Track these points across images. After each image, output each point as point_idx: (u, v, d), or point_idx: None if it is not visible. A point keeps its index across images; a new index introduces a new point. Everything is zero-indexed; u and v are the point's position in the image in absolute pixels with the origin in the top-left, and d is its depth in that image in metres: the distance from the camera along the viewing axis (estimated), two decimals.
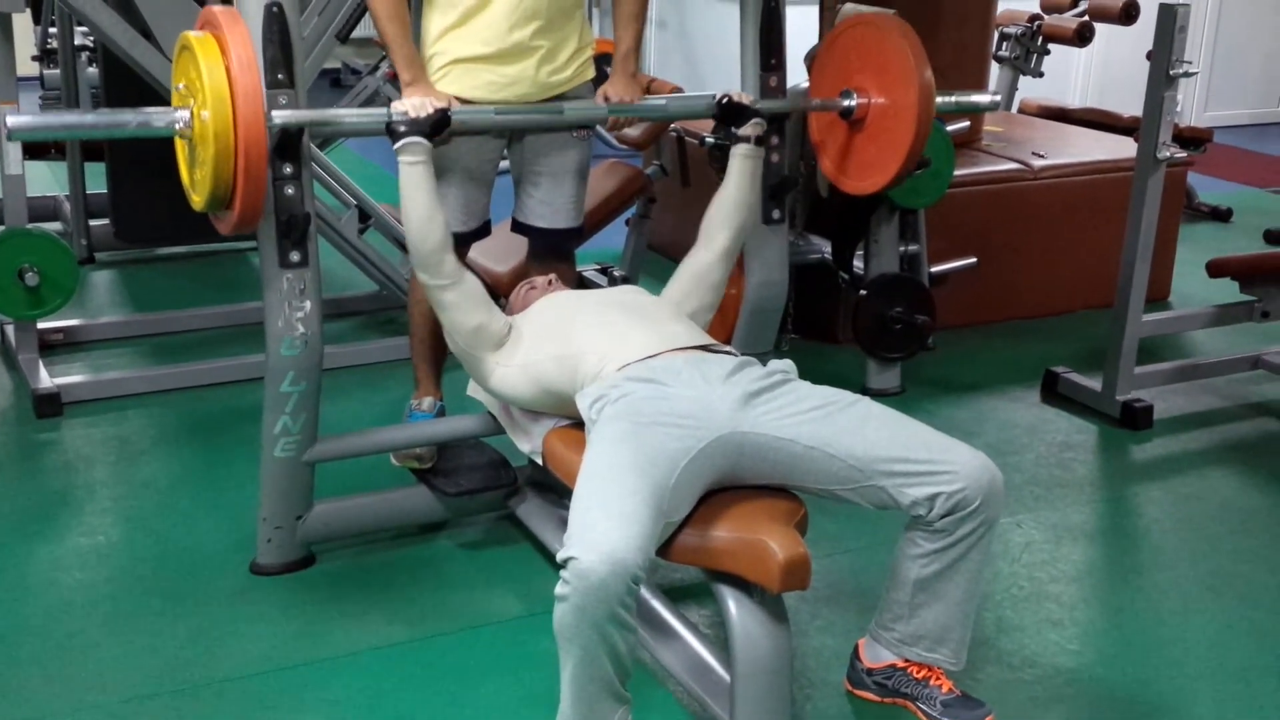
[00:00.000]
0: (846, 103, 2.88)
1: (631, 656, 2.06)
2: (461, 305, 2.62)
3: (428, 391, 3.10)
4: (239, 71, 2.29)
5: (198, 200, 2.44)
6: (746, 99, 2.89)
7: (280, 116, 2.47)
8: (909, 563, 2.29)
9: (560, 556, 1.98)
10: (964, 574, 2.27)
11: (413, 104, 2.57)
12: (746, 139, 2.85)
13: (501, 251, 3.79)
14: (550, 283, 2.86)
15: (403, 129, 2.54)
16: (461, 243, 2.99)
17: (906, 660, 2.38)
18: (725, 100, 2.86)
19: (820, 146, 3.02)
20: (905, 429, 2.29)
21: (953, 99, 2.99)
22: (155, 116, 2.41)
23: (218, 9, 2.36)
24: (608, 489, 2.07)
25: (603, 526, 1.98)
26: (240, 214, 2.39)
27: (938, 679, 2.37)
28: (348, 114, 2.70)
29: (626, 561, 1.94)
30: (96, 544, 3.00)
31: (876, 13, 2.94)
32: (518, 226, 3.10)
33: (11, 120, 2.37)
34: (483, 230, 3.02)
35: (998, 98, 3.11)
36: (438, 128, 2.57)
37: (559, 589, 1.97)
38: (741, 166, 2.85)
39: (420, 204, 2.56)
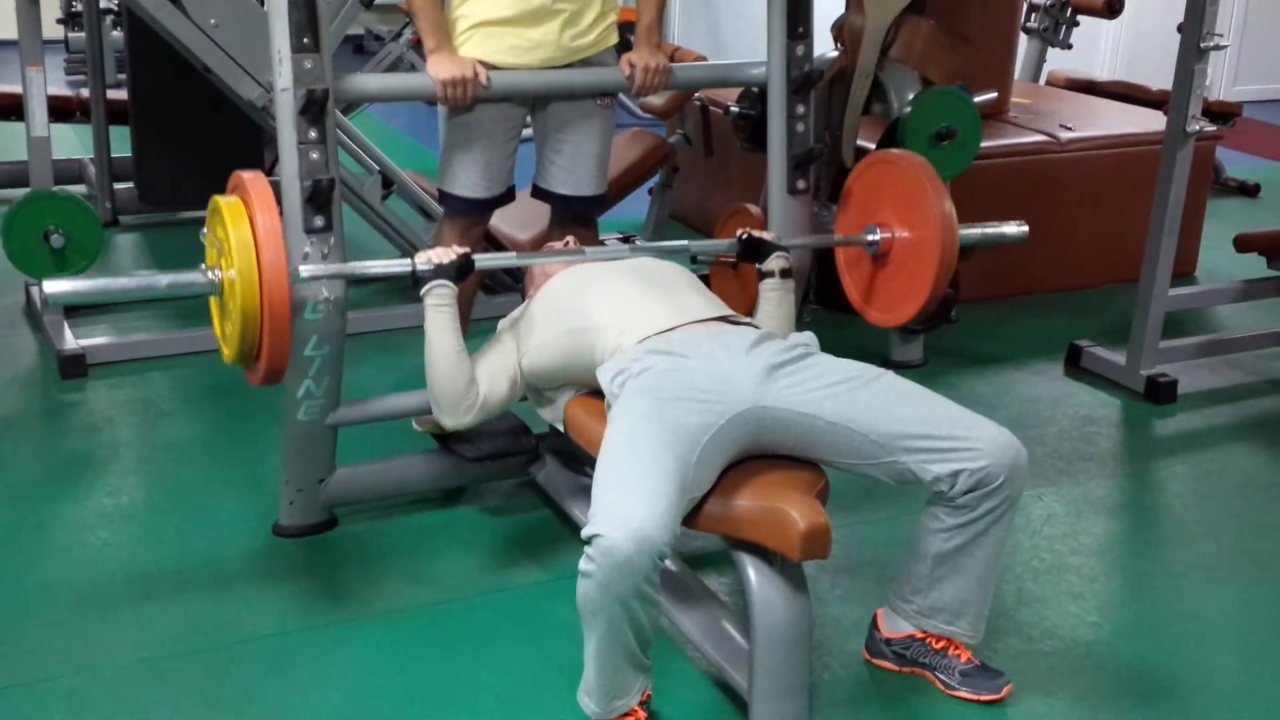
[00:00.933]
0: (870, 238, 2.87)
1: (654, 628, 2.08)
2: (492, 395, 2.60)
3: None
4: (264, 239, 2.33)
5: (228, 353, 2.50)
6: (769, 236, 2.81)
7: (307, 271, 2.50)
8: (930, 537, 2.29)
9: (585, 533, 1.98)
10: (985, 549, 2.27)
11: (437, 252, 2.56)
12: (771, 274, 2.77)
13: (524, 219, 3.80)
14: (567, 244, 2.85)
15: (429, 275, 2.52)
16: (485, 209, 2.99)
17: (925, 632, 2.38)
18: (746, 236, 2.79)
19: (848, 279, 3.02)
20: (929, 404, 2.28)
21: (977, 231, 2.95)
22: (190, 278, 2.44)
23: (245, 174, 2.41)
24: (632, 466, 2.07)
25: (628, 503, 1.98)
26: (265, 371, 2.44)
27: (956, 649, 2.37)
28: (374, 265, 2.68)
29: (652, 539, 1.95)
30: (120, 504, 3.02)
31: (897, 153, 2.94)
32: (539, 193, 3.09)
33: (50, 288, 2.35)
34: (507, 196, 3.02)
35: (1024, 229, 2.99)
36: (463, 272, 2.55)
37: (583, 564, 1.97)
38: (770, 299, 2.77)
39: (449, 348, 2.53)
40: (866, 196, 2.93)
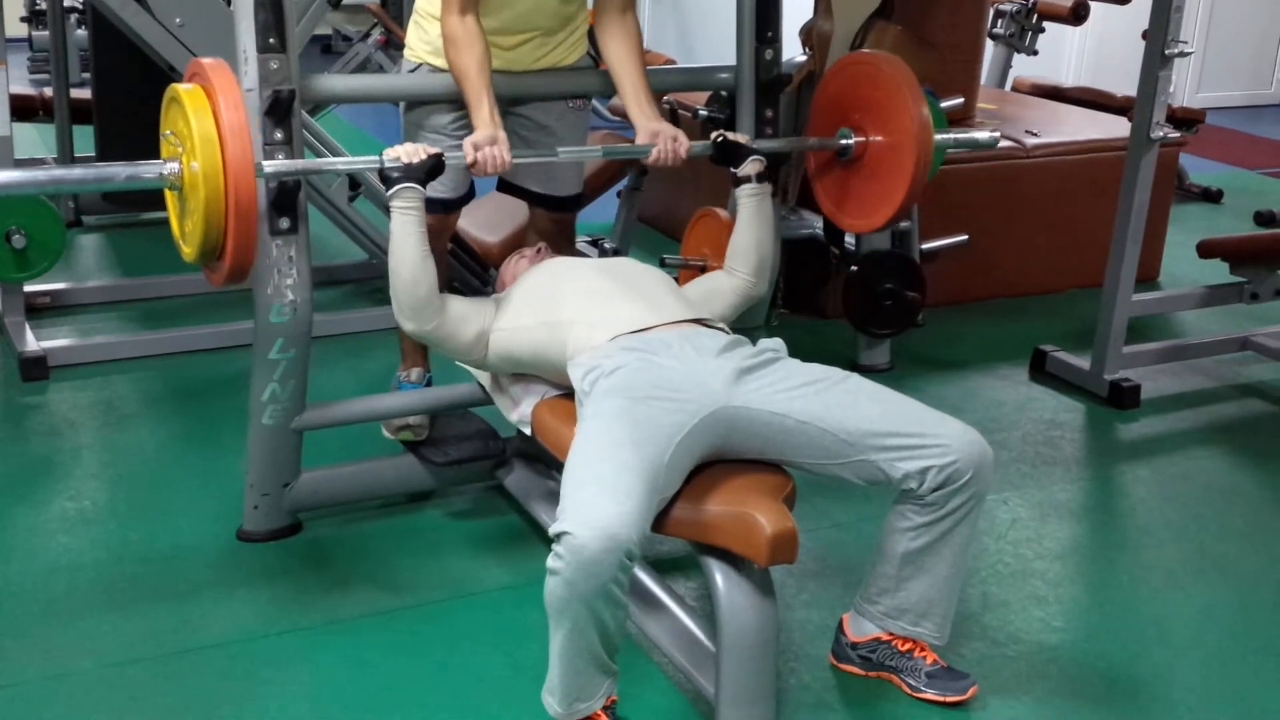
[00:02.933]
0: (844, 141, 2.83)
1: (621, 632, 2.07)
2: (451, 332, 2.57)
3: (415, 362, 3.09)
4: (228, 119, 2.25)
5: (188, 251, 2.39)
6: (743, 138, 2.82)
7: (271, 167, 2.44)
8: (897, 536, 2.30)
9: (553, 531, 1.97)
10: (951, 548, 2.28)
11: (406, 150, 2.50)
12: (748, 178, 2.77)
13: (492, 221, 3.79)
14: (539, 251, 2.85)
15: (396, 175, 2.47)
16: (451, 208, 2.97)
17: (891, 634, 2.39)
18: (721, 139, 2.78)
19: (819, 186, 2.99)
20: (896, 404, 2.29)
21: (951, 135, 2.96)
22: (144, 168, 2.35)
23: (205, 60, 2.34)
24: (603, 464, 2.06)
25: (598, 502, 1.98)
26: (232, 263, 2.33)
27: (922, 651, 2.38)
28: (339, 162, 2.63)
29: (620, 537, 1.94)
30: (82, 509, 2.99)
31: (871, 52, 2.90)
32: (509, 188, 3.06)
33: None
34: (469, 196, 3.01)
35: (997, 135, 3.04)
36: (432, 173, 2.51)
37: (551, 562, 1.97)
38: (748, 205, 2.77)
39: (412, 251, 2.49)
40: (841, 99, 2.89)
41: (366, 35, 6.73)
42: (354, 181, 4.26)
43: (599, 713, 2.14)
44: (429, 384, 3.08)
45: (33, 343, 3.76)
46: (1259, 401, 3.90)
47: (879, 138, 2.79)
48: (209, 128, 2.24)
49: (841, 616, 2.47)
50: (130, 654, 2.44)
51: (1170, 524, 3.12)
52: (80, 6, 5.70)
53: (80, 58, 5.34)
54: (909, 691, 2.37)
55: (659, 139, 2.73)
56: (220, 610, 2.59)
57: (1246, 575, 2.88)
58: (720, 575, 2.16)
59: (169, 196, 2.44)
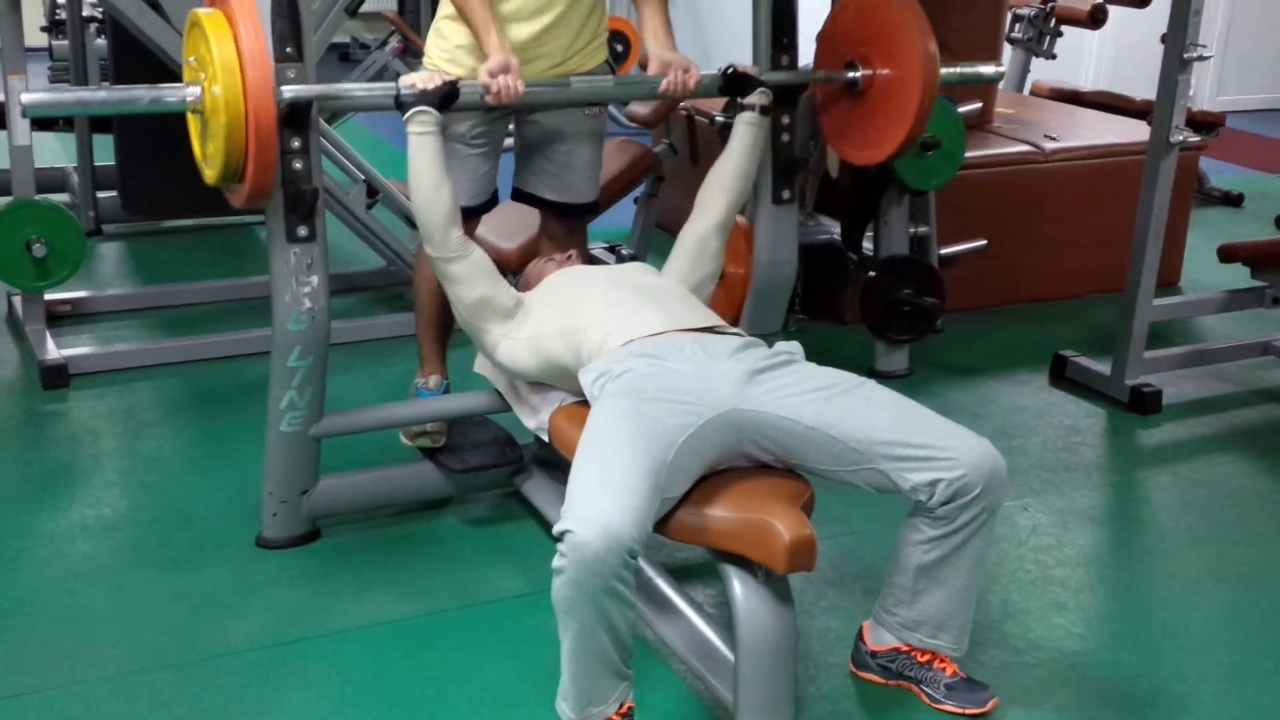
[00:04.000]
0: (851, 74, 2.90)
1: (631, 633, 2.06)
2: (468, 278, 2.62)
3: (434, 370, 3.10)
4: (248, 45, 2.32)
5: (210, 174, 2.47)
6: (752, 70, 2.89)
7: (289, 91, 2.47)
8: (911, 548, 2.28)
9: (556, 530, 1.99)
10: (966, 561, 2.26)
11: (421, 77, 2.58)
12: (752, 107, 2.85)
13: (510, 228, 3.79)
14: (570, 258, 2.86)
15: (411, 100, 2.55)
16: (470, 216, 2.98)
17: (909, 645, 2.38)
18: (730, 71, 2.86)
19: (825, 118, 3.02)
20: (909, 413, 2.28)
21: (956, 70, 3.02)
22: (167, 92, 2.44)
23: None
24: (605, 464, 2.07)
25: (599, 501, 1.99)
26: (252, 185, 2.41)
27: (941, 662, 2.37)
28: (356, 88, 2.71)
29: (621, 535, 1.94)
30: (102, 516, 3.00)
31: None
32: (522, 196, 3.08)
33: (26, 97, 2.41)
34: (490, 203, 3.01)
35: (1002, 69, 3.11)
36: (447, 99, 2.58)
37: (556, 562, 1.98)
38: (744, 134, 2.86)
39: (428, 174, 2.57)
40: (848, 32, 2.94)
41: (384, 43, 6.75)
42: (371, 189, 4.27)
43: (613, 717, 2.14)
44: (447, 391, 3.08)
45: (53, 351, 3.78)
46: None
47: (885, 71, 2.84)
48: (229, 52, 2.30)
49: (861, 624, 2.46)
50: (148, 661, 2.44)
51: (1192, 530, 3.09)
52: (100, 16, 5.72)
53: (100, 67, 5.37)
54: (929, 702, 2.35)
55: (670, 69, 2.80)
56: (239, 617, 2.60)
57: (1269, 582, 2.86)
58: (739, 582, 2.15)
59: (191, 120, 2.51)
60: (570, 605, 1.99)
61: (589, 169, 3.03)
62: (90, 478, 3.21)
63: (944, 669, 2.36)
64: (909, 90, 2.78)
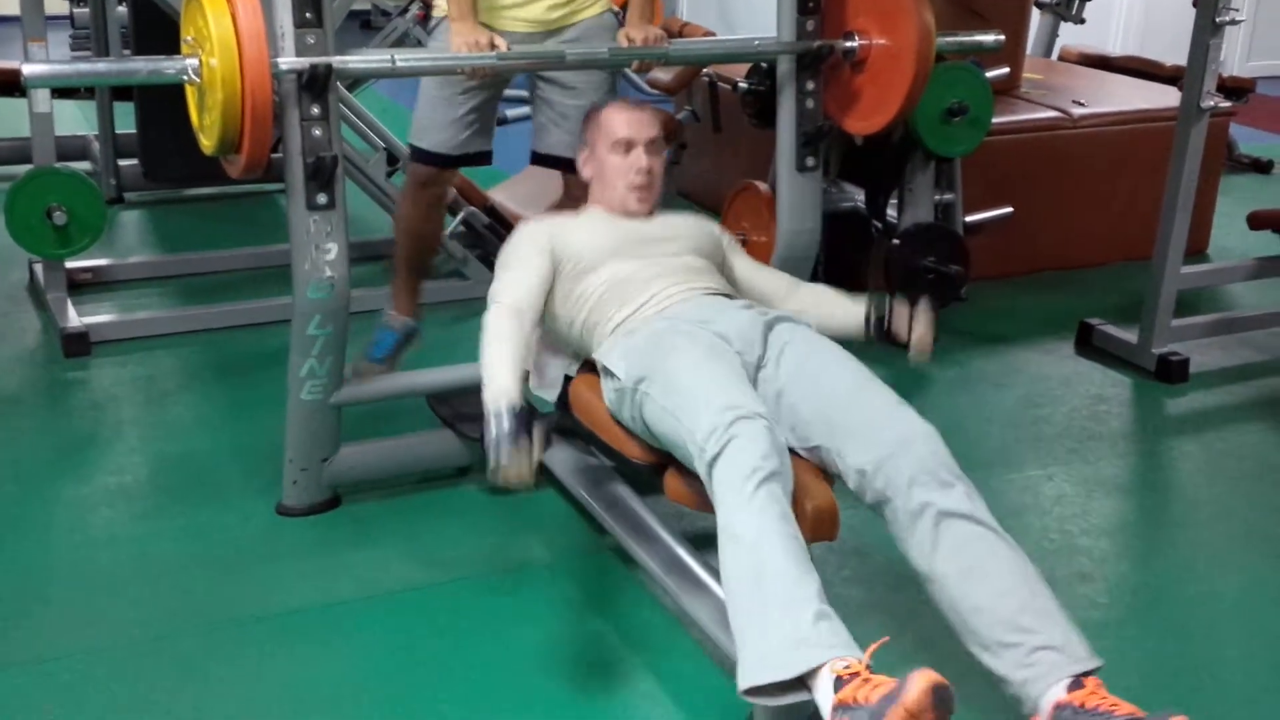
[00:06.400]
0: (848, 44, 2.93)
1: (805, 549, 1.98)
2: (538, 302, 2.49)
3: (404, 309, 3.14)
4: (244, 20, 2.33)
5: (208, 144, 2.49)
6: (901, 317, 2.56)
7: (286, 63, 2.47)
8: (923, 560, 2.07)
9: (707, 458, 2.01)
10: (990, 557, 2.02)
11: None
12: (869, 320, 2.58)
13: (531, 195, 3.77)
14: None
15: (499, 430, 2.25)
16: (448, 164, 2.97)
17: (1067, 690, 1.94)
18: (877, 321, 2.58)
19: (825, 89, 3.03)
20: (860, 392, 2.21)
21: (955, 39, 3.05)
22: (165, 65, 2.45)
23: None
24: (700, 380, 2.14)
25: (720, 399, 2.05)
26: (248, 157, 2.43)
27: (1106, 701, 1.91)
28: (353, 60, 2.62)
29: (746, 408, 2.03)
30: (123, 483, 3.01)
31: None
32: (542, 159, 3.06)
33: (28, 69, 2.45)
34: (478, 158, 3.02)
35: (1001, 37, 3.08)
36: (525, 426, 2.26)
37: (716, 471, 2.01)
38: (846, 322, 2.59)
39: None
40: (849, 1, 2.98)
41: (405, 10, 6.71)
42: (392, 156, 4.26)
43: (852, 661, 1.83)
44: (412, 334, 3.13)
45: (75, 318, 3.78)
46: None
47: (882, 41, 2.89)
48: (226, 26, 2.32)
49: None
50: (172, 627, 2.45)
51: (1218, 500, 3.07)
52: None
53: (121, 34, 5.36)
54: None
55: (632, 43, 2.81)
56: (261, 584, 2.60)
57: None
58: None
59: (189, 90, 2.52)
60: (737, 502, 1.98)
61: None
62: (112, 445, 3.21)
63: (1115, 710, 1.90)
64: (904, 60, 2.83)
